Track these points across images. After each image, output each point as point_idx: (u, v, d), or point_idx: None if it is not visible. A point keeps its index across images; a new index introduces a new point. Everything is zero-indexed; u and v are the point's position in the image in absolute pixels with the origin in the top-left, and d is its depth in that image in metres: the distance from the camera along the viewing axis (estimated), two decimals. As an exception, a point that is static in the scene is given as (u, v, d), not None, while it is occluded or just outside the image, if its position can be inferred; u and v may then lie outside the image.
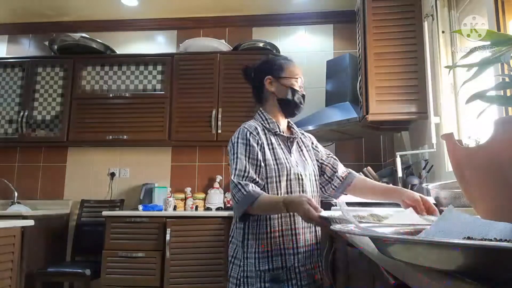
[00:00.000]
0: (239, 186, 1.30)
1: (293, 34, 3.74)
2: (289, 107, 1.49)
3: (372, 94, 2.38)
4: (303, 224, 1.40)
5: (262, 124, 1.48)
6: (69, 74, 3.45)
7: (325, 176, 1.57)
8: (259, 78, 1.52)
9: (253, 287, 1.30)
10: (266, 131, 1.46)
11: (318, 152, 1.60)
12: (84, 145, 3.61)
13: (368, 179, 1.66)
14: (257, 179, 1.34)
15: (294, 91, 1.48)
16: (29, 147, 3.67)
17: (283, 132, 1.49)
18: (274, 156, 1.40)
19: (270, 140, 1.44)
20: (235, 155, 1.38)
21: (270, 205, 1.29)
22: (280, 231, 1.35)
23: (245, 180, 1.31)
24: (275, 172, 1.38)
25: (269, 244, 1.34)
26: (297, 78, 1.50)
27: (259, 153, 1.38)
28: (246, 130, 1.40)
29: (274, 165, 1.38)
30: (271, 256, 1.32)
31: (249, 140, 1.38)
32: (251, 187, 1.29)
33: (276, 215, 1.36)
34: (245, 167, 1.34)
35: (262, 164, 1.37)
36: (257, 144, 1.39)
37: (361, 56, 2.54)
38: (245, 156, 1.36)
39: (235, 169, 1.35)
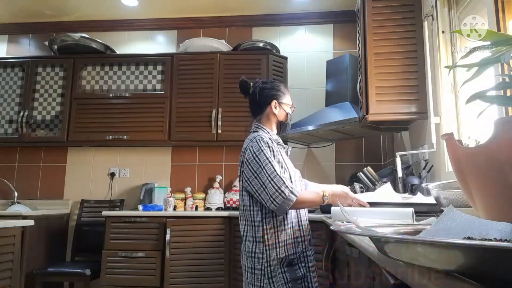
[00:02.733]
0: (279, 191, 1.48)
1: (293, 34, 3.74)
2: (284, 128, 1.78)
3: (372, 94, 2.38)
4: (306, 217, 1.69)
5: (268, 135, 1.67)
6: (69, 74, 3.45)
7: None
8: (264, 99, 1.73)
9: (276, 273, 1.52)
10: (272, 141, 1.64)
11: None
12: (84, 145, 3.60)
13: (311, 183, 1.88)
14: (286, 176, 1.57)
15: (288, 117, 1.76)
16: (29, 147, 3.67)
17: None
18: (284, 161, 1.63)
19: (277, 148, 1.64)
20: (265, 160, 1.53)
21: (310, 203, 1.60)
22: (291, 223, 1.60)
23: (282, 181, 1.49)
24: (289, 174, 1.61)
25: (283, 235, 1.57)
26: (293, 107, 1.78)
27: (280, 156, 1.61)
28: (264, 139, 1.59)
29: (286, 168, 1.61)
30: (286, 245, 1.56)
31: (271, 146, 1.58)
32: (288, 190, 1.48)
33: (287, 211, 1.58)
34: (278, 169, 1.53)
35: (284, 165, 1.61)
36: (275, 150, 1.60)
37: (361, 56, 2.54)
38: (274, 158, 1.55)
39: (273, 172, 1.51)
